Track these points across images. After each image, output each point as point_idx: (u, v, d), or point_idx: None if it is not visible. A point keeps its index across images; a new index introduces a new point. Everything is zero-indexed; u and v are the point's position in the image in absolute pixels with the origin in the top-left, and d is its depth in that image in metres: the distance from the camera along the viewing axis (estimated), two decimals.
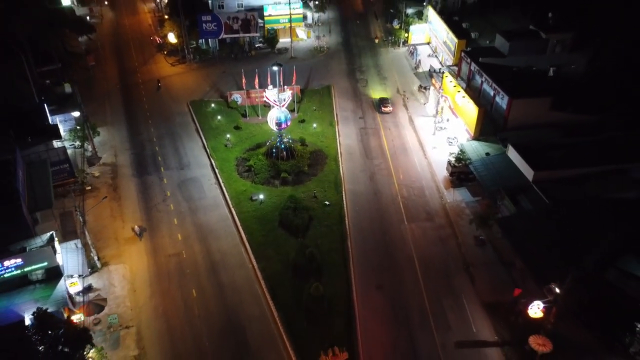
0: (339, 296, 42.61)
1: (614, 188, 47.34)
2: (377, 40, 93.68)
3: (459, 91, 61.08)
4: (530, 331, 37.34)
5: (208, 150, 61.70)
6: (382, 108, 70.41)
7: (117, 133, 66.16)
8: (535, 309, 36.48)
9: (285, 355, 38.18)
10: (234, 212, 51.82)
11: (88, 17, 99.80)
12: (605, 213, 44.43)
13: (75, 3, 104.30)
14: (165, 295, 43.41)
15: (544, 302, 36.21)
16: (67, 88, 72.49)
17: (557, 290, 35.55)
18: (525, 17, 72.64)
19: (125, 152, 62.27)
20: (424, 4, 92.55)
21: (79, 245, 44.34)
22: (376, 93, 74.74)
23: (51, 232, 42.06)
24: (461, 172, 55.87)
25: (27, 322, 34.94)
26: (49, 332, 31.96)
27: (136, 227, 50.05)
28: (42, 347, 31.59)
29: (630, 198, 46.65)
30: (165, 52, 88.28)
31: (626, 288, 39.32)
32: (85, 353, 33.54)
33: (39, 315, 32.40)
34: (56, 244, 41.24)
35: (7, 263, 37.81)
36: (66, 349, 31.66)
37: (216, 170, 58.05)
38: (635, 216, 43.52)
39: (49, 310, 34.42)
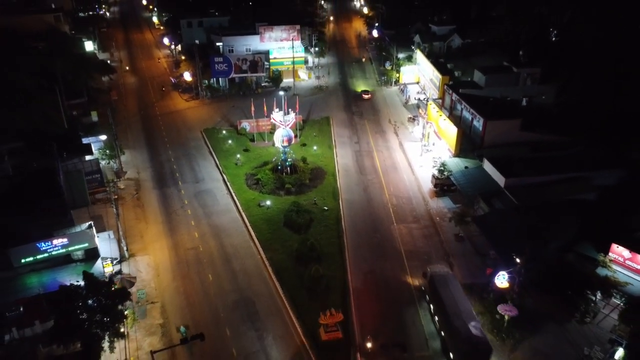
0: (335, 278, 49.14)
1: (575, 191, 54.86)
2: (364, 60, 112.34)
3: (441, 115, 69.60)
4: (500, 302, 43.85)
5: (220, 167, 69.52)
6: (363, 96, 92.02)
7: (138, 155, 74.16)
8: (502, 279, 43.15)
9: (289, 321, 44.49)
10: (244, 215, 58.95)
11: (109, 61, 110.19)
12: (566, 210, 51.78)
13: (97, 49, 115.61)
14: (185, 279, 49.95)
15: (508, 273, 42.88)
16: (94, 117, 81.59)
17: (518, 260, 42.27)
18: (502, 56, 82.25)
19: (147, 170, 70.05)
20: (413, 47, 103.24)
21: (112, 235, 51.47)
22: (370, 124, 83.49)
23: (90, 222, 49.14)
24: (444, 183, 63.41)
25: None
26: (95, 289, 38.47)
27: (182, 328, 43.25)
28: (90, 301, 38.00)
29: (589, 199, 54.23)
30: (180, 90, 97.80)
31: (582, 267, 46.33)
32: (122, 309, 39.91)
33: (87, 275, 39.00)
34: (94, 231, 48.19)
35: (55, 242, 44.90)
36: (109, 302, 38.07)
37: (228, 183, 65.61)
38: (592, 212, 50.96)
39: None
